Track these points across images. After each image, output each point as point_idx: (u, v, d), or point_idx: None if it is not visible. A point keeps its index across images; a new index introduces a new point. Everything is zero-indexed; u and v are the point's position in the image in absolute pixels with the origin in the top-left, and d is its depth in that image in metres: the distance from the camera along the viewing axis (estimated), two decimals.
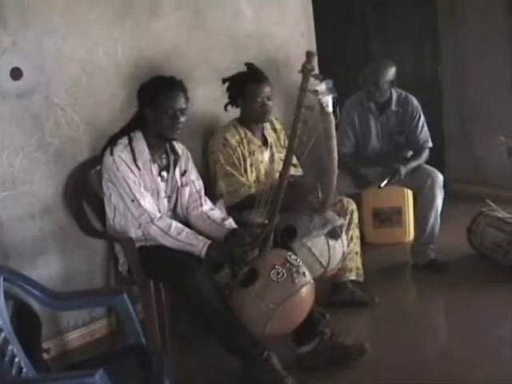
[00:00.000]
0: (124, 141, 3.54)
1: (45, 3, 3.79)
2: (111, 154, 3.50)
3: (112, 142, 3.56)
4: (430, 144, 5.00)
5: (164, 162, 3.68)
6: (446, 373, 3.49)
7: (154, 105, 3.51)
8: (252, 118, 4.23)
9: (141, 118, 3.59)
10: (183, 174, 3.74)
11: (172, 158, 3.70)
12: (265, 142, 4.33)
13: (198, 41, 4.51)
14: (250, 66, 4.20)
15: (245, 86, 4.14)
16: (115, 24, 4.09)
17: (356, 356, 3.62)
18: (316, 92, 3.60)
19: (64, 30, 3.89)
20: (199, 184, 3.82)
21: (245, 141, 4.20)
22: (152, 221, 3.51)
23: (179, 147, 3.76)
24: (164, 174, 3.67)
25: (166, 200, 3.69)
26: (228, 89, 4.24)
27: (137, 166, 3.52)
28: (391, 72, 4.84)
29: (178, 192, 3.73)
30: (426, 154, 4.97)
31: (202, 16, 4.51)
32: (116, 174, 3.50)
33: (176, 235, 3.49)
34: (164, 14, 4.31)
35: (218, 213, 3.80)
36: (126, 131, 3.60)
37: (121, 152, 3.50)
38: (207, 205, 3.82)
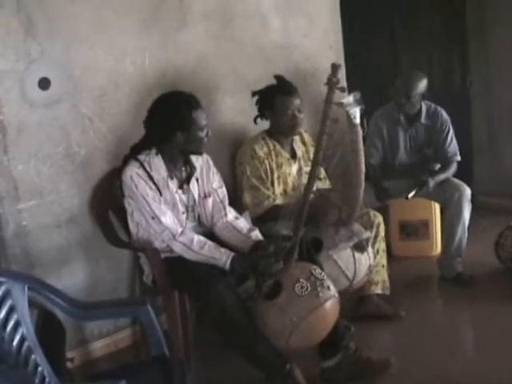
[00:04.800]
0: (136, 163, 3.52)
1: (73, 13, 3.81)
2: (128, 171, 3.50)
3: (127, 160, 3.56)
4: (459, 157, 4.97)
5: (184, 174, 3.68)
6: None
7: (187, 127, 3.50)
8: (281, 131, 4.22)
9: (163, 138, 3.55)
10: (200, 183, 3.72)
11: (189, 169, 3.69)
12: (293, 155, 4.31)
13: (226, 51, 4.51)
14: (279, 78, 4.18)
15: (274, 98, 4.13)
16: (143, 33, 4.10)
17: (380, 371, 3.59)
18: (341, 104, 3.58)
19: (92, 40, 3.90)
20: (222, 192, 3.81)
21: (273, 153, 4.19)
22: (174, 237, 3.51)
23: (197, 157, 3.74)
24: (185, 186, 3.67)
25: (185, 215, 3.67)
26: (257, 102, 4.23)
27: (154, 183, 3.51)
28: (423, 84, 4.83)
29: (199, 203, 3.73)
30: (454, 167, 4.95)
31: (229, 26, 4.52)
32: (135, 192, 3.50)
33: (199, 249, 3.49)
34: (192, 24, 4.32)
35: (243, 222, 3.80)
36: (137, 151, 3.58)
37: (138, 169, 3.50)
38: (231, 214, 3.81)
